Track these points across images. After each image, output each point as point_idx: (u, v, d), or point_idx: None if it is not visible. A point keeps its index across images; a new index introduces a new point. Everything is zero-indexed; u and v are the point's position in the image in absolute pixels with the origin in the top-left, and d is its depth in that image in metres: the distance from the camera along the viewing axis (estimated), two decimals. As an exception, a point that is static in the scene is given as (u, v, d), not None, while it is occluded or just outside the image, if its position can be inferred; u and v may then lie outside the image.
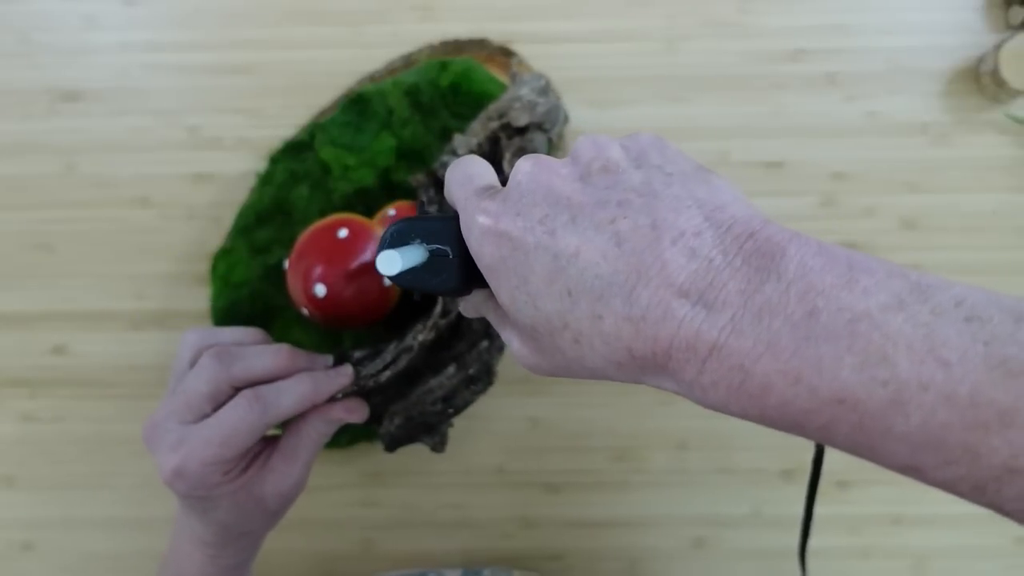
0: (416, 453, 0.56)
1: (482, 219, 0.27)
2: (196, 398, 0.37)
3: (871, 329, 0.20)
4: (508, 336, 0.29)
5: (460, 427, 0.56)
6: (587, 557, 0.56)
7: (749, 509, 0.55)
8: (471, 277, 0.30)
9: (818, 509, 0.54)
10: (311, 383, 0.39)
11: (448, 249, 0.30)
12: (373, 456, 0.56)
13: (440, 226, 0.30)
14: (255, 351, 0.39)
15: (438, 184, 0.50)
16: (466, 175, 0.29)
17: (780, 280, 0.22)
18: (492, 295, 0.31)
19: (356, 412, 0.42)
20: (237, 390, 0.38)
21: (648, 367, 0.24)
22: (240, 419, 0.36)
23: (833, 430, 0.21)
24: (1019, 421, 0.19)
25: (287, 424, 0.41)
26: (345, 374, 0.42)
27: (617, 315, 0.23)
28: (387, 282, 0.46)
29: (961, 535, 0.55)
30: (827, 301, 0.21)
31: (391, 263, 0.28)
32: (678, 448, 0.55)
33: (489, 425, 0.56)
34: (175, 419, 0.37)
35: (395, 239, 0.31)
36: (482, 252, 0.27)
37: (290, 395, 0.38)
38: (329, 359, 0.43)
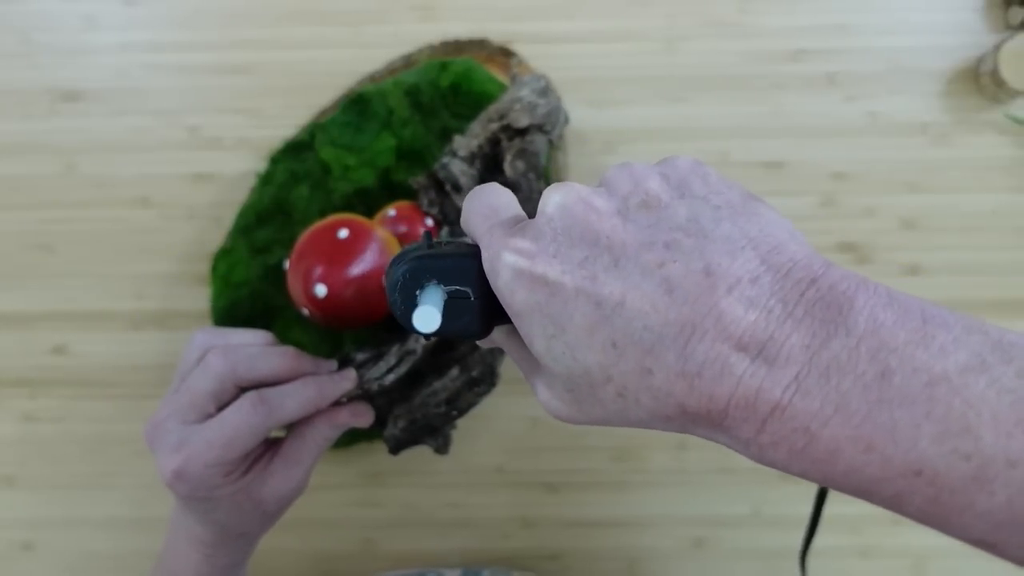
0: (416, 453, 0.56)
1: (513, 259, 0.24)
2: (200, 397, 0.37)
3: (951, 394, 0.19)
4: (537, 384, 0.27)
5: (460, 427, 0.56)
6: (586, 557, 0.56)
7: (749, 509, 0.55)
8: (493, 317, 0.27)
9: (818, 509, 0.54)
10: (316, 387, 0.39)
11: (468, 290, 0.27)
12: (373, 456, 0.56)
13: (457, 264, 0.27)
14: (262, 352, 0.39)
15: (439, 186, 0.50)
16: (489, 207, 0.26)
17: (849, 335, 0.20)
18: (514, 333, 0.29)
19: (362, 416, 0.42)
20: (242, 391, 0.38)
21: (701, 422, 0.22)
22: (244, 421, 0.36)
23: (905, 501, 0.20)
24: None
25: (291, 427, 0.41)
26: (349, 378, 0.42)
27: (669, 370, 0.21)
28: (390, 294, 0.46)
29: (961, 535, 0.54)
30: (901, 360, 0.19)
31: (430, 320, 0.25)
32: (678, 448, 0.55)
33: (489, 425, 0.56)
34: (178, 419, 0.37)
35: (409, 282, 0.27)
36: (513, 297, 0.24)
37: (295, 399, 0.38)
38: (334, 364, 0.43)
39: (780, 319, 0.20)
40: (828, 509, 0.54)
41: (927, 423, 0.19)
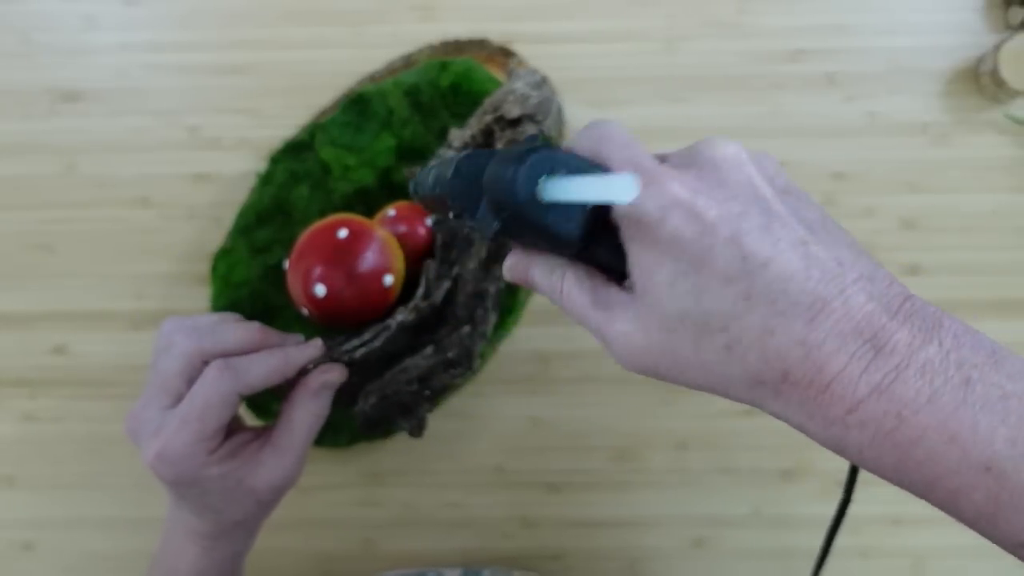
0: (416, 452, 0.56)
1: (677, 188, 0.24)
2: (170, 378, 0.37)
3: (1021, 408, 0.22)
4: (618, 318, 0.26)
5: (460, 427, 0.56)
6: (587, 557, 0.56)
7: (749, 509, 0.55)
8: (591, 234, 0.27)
9: (819, 509, 0.54)
10: (281, 354, 0.38)
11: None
12: (373, 456, 0.56)
13: (587, 167, 0.26)
14: (226, 325, 0.39)
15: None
16: (628, 139, 0.27)
17: (941, 346, 0.23)
18: (583, 266, 0.28)
19: (332, 372, 0.41)
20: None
21: (793, 393, 0.24)
22: (212, 389, 0.36)
23: (965, 495, 0.22)
24: None
25: (279, 414, 0.41)
26: (315, 346, 0.41)
27: (792, 335, 0.23)
28: (388, 281, 0.46)
29: (961, 535, 0.54)
30: (981, 374, 0.22)
31: (562, 190, 0.25)
32: (678, 448, 0.55)
33: (489, 425, 0.56)
34: (154, 406, 0.37)
35: (541, 163, 0.26)
36: (663, 225, 0.24)
37: (260, 364, 0.37)
38: (300, 337, 0.42)
39: (890, 315, 0.23)
40: (828, 509, 0.54)
41: (1003, 427, 0.21)
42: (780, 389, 0.24)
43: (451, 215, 0.31)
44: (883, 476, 0.23)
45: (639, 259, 0.25)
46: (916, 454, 0.22)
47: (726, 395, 0.25)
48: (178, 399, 0.37)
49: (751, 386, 0.24)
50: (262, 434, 0.41)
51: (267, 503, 0.39)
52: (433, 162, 0.32)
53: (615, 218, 0.26)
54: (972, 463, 0.22)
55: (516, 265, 0.30)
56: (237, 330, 0.39)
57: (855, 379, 0.23)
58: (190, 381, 0.37)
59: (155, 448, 0.36)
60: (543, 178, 0.26)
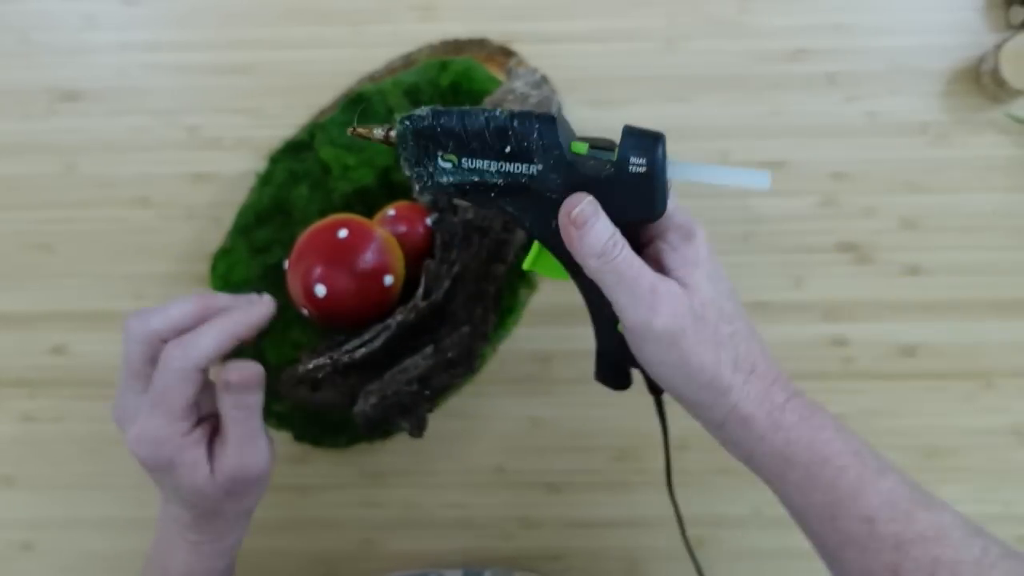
0: (416, 453, 0.56)
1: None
2: (135, 364, 0.37)
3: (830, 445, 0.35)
4: (667, 281, 0.34)
5: (460, 427, 0.56)
6: (587, 557, 0.56)
7: (749, 509, 0.55)
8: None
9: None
10: (227, 320, 0.38)
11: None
12: (373, 456, 0.56)
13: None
14: (173, 302, 0.38)
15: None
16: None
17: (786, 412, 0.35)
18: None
19: (233, 372, 0.37)
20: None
21: (752, 382, 0.35)
22: (168, 368, 0.36)
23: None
24: None
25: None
26: (264, 302, 0.39)
27: (761, 351, 0.36)
28: (388, 281, 0.46)
29: (961, 535, 0.54)
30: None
31: (704, 172, 0.34)
32: (678, 448, 0.54)
33: (489, 425, 0.56)
34: (129, 393, 0.37)
35: (660, 145, 0.34)
36: (706, 246, 0.37)
37: (208, 335, 0.37)
38: (253, 296, 0.40)
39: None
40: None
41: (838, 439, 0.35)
42: (749, 378, 0.34)
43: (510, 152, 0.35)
44: (797, 454, 0.33)
45: (687, 257, 0.35)
46: (822, 436, 0.34)
47: (716, 372, 0.34)
48: (148, 382, 0.37)
49: (735, 369, 0.34)
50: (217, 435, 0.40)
51: (236, 495, 0.39)
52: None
53: (665, 222, 0.36)
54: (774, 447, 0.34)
55: (588, 208, 0.34)
56: (184, 303, 0.38)
57: (784, 388, 0.35)
58: (152, 361, 0.37)
59: (133, 432, 0.36)
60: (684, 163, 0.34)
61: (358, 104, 0.53)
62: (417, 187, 0.36)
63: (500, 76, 0.54)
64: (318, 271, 0.45)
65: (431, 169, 0.35)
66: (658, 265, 0.35)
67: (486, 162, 0.35)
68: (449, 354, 0.47)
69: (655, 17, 0.56)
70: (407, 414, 0.48)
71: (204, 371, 0.37)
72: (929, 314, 0.55)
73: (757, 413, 0.34)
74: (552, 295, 0.55)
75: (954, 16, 0.56)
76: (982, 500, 0.54)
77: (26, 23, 0.58)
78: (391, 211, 0.50)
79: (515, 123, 0.34)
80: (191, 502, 0.38)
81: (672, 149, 0.58)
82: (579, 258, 0.34)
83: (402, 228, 0.49)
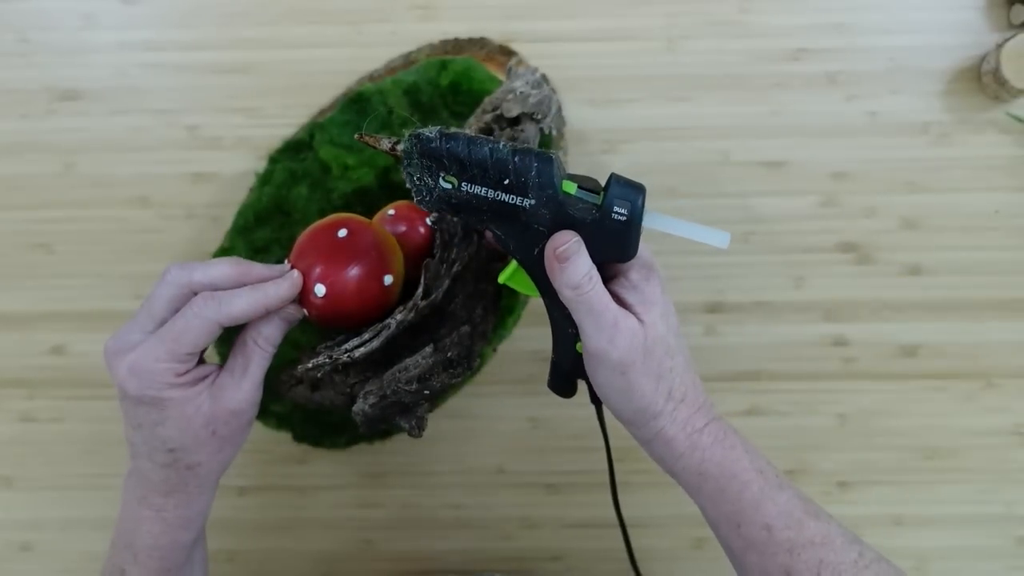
0: (416, 453, 0.55)
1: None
2: (157, 303, 0.38)
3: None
4: (627, 317, 0.38)
5: (460, 427, 0.56)
6: (587, 557, 0.55)
7: (750, 509, 0.54)
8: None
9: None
10: (262, 290, 0.39)
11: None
12: (373, 456, 0.56)
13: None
14: (215, 261, 0.40)
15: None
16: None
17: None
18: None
19: (291, 307, 0.42)
20: None
21: (680, 409, 0.40)
22: (195, 314, 0.37)
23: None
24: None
25: (234, 342, 0.41)
26: (290, 278, 0.41)
27: (694, 381, 0.41)
28: (388, 281, 0.46)
29: (962, 535, 0.54)
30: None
31: (672, 224, 0.39)
32: (678, 448, 0.54)
33: (489, 425, 0.56)
34: (136, 329, 0.38)
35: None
36: (660, 292, 0.40)
37: (243, 298, 0.38)
38: (284, 267, 0.42)
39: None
40: (829, 509, 0.54)
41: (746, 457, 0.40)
42: (679, 406, 0.39)
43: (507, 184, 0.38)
44: (710, 470, 0.39)
45: (646, 296, 0.39)
46: (732, 455, 0.39)
47: (652, 399, 0.39)
48: (161, 325, 0.38)
49: (668, 398, 0.39)
50: (221, 367, 0.41)
51: (222, 438, 0.39)
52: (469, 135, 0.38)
53: (635, 263, 0.39)
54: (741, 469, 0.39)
55: (573, 246, 0.38)
56: (224, 264, 0.40)
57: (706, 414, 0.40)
58: (176, 310, 0.38)
59: (128, 360, 0.37)
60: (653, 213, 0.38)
61: (357, 104, 0.53)
62: (415, 199, 0.39)
63: (500, 76, 0.54)
64: (318, 271, 0.45)
65: (432, 186, 0.38)
66: (620, 299, 0.39)
67: (484, 189, 0.38)
68: (449, 354, 0.47)
69: (655, 17, 0.56)
70: (407, 414, 0.48)
71: (221, 329, 0.38)
72: (930, 314, 0.55)
73: (679, 435, 0.39)
74: (552, 295, 0.55)
75: (955, 15, 0.55)
76: (983, 500, 0.54)
77: (25, 22, 0.58)
78: (391, 211, 0.50)
79: (516, 159, 0.37)
80: (169, 446, 0.38)
81: (673, 148, 0.58)
82: (557, 286, 0.38)
83: (402, 228, 0.49)
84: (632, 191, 0.37)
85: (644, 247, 0.39)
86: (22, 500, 0.56)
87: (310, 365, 0.46)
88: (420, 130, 0.38)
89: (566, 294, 0.38)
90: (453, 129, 0.38)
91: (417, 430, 0.48)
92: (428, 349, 0.47)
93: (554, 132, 0.53)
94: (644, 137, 0.56)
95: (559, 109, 0.53)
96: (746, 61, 0.56)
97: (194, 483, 0.40)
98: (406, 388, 0.46)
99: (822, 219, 0.55)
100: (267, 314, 0.40)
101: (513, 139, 0.49)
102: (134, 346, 0.37)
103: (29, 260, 0.57)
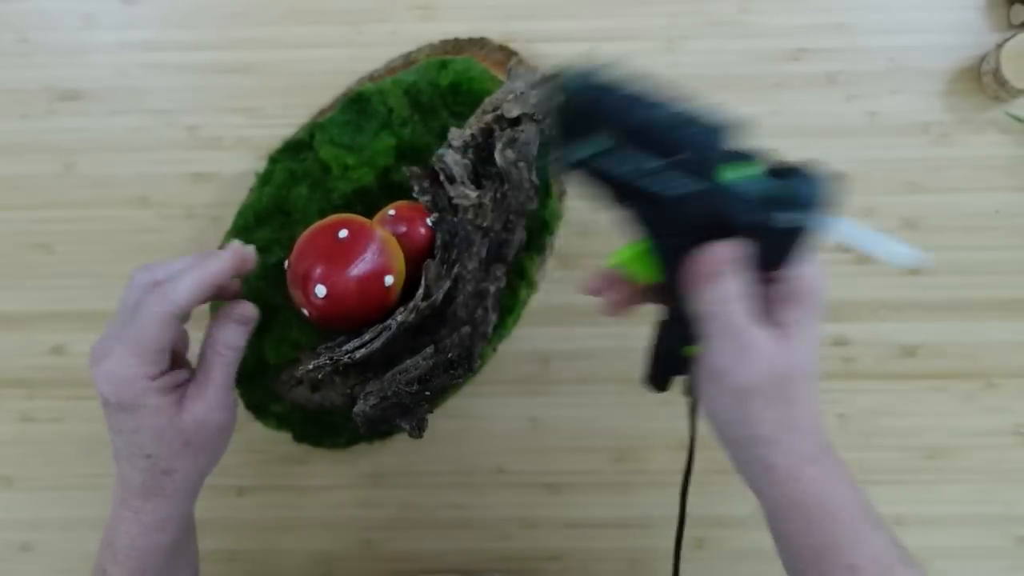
0: (416, 453, 0.55)
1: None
2: (125, 307, 0.38)
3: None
4: (764, 336, 0.33)
5: (460, 427, 0.56)
6: (587, 557, 0.55)
7: (749, 509, 0.54)
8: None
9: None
10: (202, 265, 0.39)
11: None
12: (373, 456, 0.56)
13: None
14: (178, 258, 0.40)
15: (434, 176, 0.50)
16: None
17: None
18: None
19: (241, 305, 0.41)
20: None
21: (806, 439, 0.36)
22: (146, 312, 0.37)
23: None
24: None
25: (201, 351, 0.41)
26: (231, 248, 0.40)
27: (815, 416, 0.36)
28: (388, 281, 0.46)
29: (963, 536, 0.54)
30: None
31: (859, 235, 0.33)
32: (678, 448, 0.54)
33: (489, 425, 0.56)
34: (112, 335, 0.38)
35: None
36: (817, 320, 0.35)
37: (185, 280, 0.38)
38: (236, 243, 0.41)
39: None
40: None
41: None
42: (792, 436, 0.35)
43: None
44: (805, 501, 0.35)
45: (798, 316, 0.34)
46: (836, 489, 0.35)
47: (766, 430, 0.34)
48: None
49: (784, 428, 0.34)
50: (192, 378, 0.41)
51: (194, 447, 0.39)
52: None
53: (795, 279, 0.34)
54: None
55: (729, 268, 0.33)
56: (184, 259, 0.40)
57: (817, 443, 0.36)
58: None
59: (103, 368, 0.37)
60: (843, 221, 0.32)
61: (357, 104, 0.53)
62: (556, 160, 0.33)
63: (500, 76, 0.54)
64: (318, 271, 0.45)
65: (582, 142, 0.31)
66: (767, 308, 0.34)
67: (637, 161, 0.31)
68: (449, 354, 0.47)
69: (655, 17, 0.56)
70: (407, 414, 0.48)
71: (180, 318, 0.38)
72: (930, 314, 0.55)
73: (783, 463, 0.35)
74: (552, 295, 0.55)
75: (955, 15, 0.55)
76: (983, 500, 0.54)
77: (25, 22, 0.58)
78: (391, 211, 0.50)
79: (684, 133, 0.30)
80: (146, 452, 0.38)
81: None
82: (694, 297, 0.33)
83: (402, 228, 0.49)
84: (814, 192, 0.31)
85: (811, 256, 0.34)
86: (22, 500, 0.56)
87: (311, 366, 0.46)
88: (585, 69, 0.31)
89: (702, 308, 0.33)
90: (614, 75, 0.31)
91: (417, 431, 0.48)
92: (429, 350, 0.47)
93: (553, 132, 0.52)
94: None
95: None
96: (746, 61, 0.56)
97: (171, 488, 0.40)
98: (407, 389, 0.47)
99: (822, 219, 0.55)
100: (224, 320, 0.40)
101: (513, 139, 0.49)
102: (108, 351, 0.37)
103: (29, 260, 0.57)
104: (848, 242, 0.34)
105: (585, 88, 0.31)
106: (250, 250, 0.41)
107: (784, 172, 0.32)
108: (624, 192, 0.32)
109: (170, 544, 0.41)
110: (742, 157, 0.31)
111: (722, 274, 0.32)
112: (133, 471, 0.39)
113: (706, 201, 0.31)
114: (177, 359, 0.41)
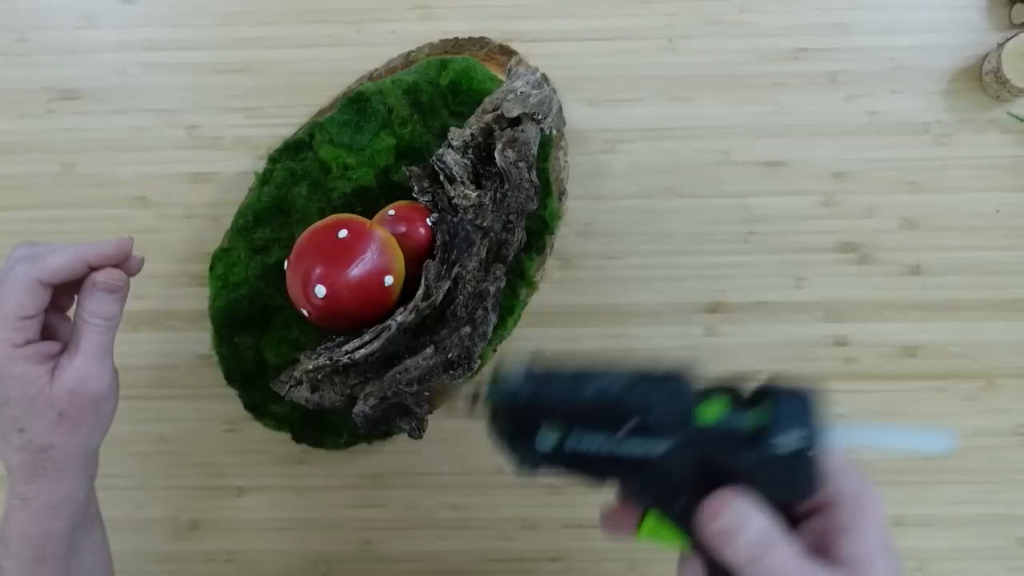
0: (416, 453, 0.55)
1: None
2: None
3: None
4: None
5: (460, 427, 0.55)
6: (587, 558, 0.55)
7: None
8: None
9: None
10: (84, 244, 0.39)
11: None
12: (373, 457, 0.56)
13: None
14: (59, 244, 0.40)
15: (434, 176, 0.50)
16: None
17: None
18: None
19: (110, 272, 0.40)
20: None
21: None
22: (13, 276, 0.37)
23: None
24: None
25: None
26: (120, 240, 0.40)
27: None
28: (388, 282, 0.46)
29: (963, 536, 0.54)
30: None
31: (870, 437, 0.29)
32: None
33: (489, 426, 0.55)
34: None
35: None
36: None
37: (60, 250, 0.38)
38: (127, 240, 0.41)
39: None
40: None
41: None
42: None
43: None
44: None
45: (862, 542, 0.28)
46: None
47: None
48: None
49: None
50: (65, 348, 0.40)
51: (69, 419, 0.38)
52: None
53: (844, 503, 0.29)
54: None
55: (732, 519, 0.29)
56: (72, 245, 0.39)
57: None
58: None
59: None
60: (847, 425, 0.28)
61: (357, 103, 0.53)
62: (514, 468, 0.31)
63: (500, 76, 0.54)
64: (318, 271, 0.45)
65: (530, 447, 0.30)
66: (821, 546, 0.29)
67: (601, 438, 0.29)
68: (449, 355, 0.47)
69: (655, 16, 0.56)
70: (407, 415, 0.48)
71: (47, 287, 0.38)
72: (930, 314, 0.55)
73: None
74: (552, 295, 0.55)
75: (956, 15, 0.55)
76: (983, 501, 0.54)
77: (24, 22, 0.57)
78: (391, 211, 0.50)
79: (638, 392, 0.29)
80: (18, 426, 0.37)
81: (673, 148, 0.57)
82: (726, 557, 0.29)
83: (402, 228, 0.49)
84: (803, 407, 0.28)
85: (847, 466, 0.30)
86: (21, 500, 0.56)
87: (310, 366, 0.46)
88: (500, 376, 0.30)
89: (744, 565, 0.28)
90: (541, 364, 0.30)
91: (417, 431, 0.48)
92: (429, 350, 0.47)
93: (554, 132, 0.52)
94: (644, 137, 0.56)
95: (559, 109, 0.53)
96: (746, 61, 0.56)
97: (52, 467, 0.39)
98: (407, 389, 0.46)
99: (822, 219, 0.55)
100: (90, 288, 0.39)
101: (513, 139, 0.49)
102: None
103: (28, 260, 0.57)
104: (865, 445, 0.29)
105: (521, 390, 0.29)
106: (136, 256, 0.41)
107: (761, 396, 0.29)
108: (604, 468, 0.30)
109: (67, 531, 0.40)
110: (711, 394, 0.29)
111: (740, 524, 0.28)
112: (11, 451, 0.38)
113: (694, 450, 0.28)
114: (53, 333, 0.40)
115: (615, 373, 0.29)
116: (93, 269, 0.39)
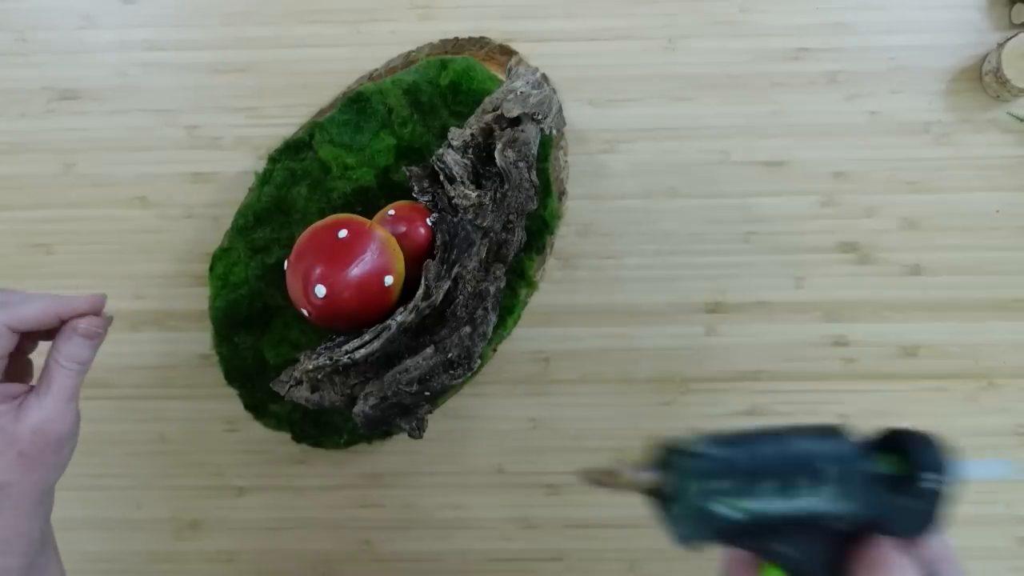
0: (416, 453, 0.55)
1: None
2: None
3: None
4: None
5: (460, 427, 0.55)
6: (587, 558, 0.55)
7: (750, 510, 0.54)
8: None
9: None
10: (56, 297, 0.39)
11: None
12: (372, 457, 0.56)
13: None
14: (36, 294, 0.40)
15: (434, 175, 0.50)
16: None
17: None
18: None
19: (90, 321, 0.40)
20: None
21: None
22: None
23: None
24: None
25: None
26: (95, 296, 0.40)
27: None
28: (388, 282, 0.46)
29: (963, 536, 0.54)
30: None
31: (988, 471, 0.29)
32: (679, 449, 0.54)
33: (489, 425, 0.56)
34: None
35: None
36: None
37: (35, 301, 0.38)
38: (100, 297, 0.41)
39: None
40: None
41: None
42: None
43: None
44: None
45: None
46: None
47: None
48: None
49: None
50: (32, 389, 0.40)
51: (31, 459, 0.38)
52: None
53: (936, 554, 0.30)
54: None
55: (897, 569, 0.29)
56: (45, 298, 0.40)
57: None
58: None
59: None
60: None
61: (357, 103, 0.53)
62: (676, 540, 0.31)
63: (500, 76, 0.54)
64: (318, 271, 0.45)
65: (715, 515, 0.30)
66: None
67: (771, 500, 0.29)
68: (449, 355, 0.47)
69: (655, 16, 0.56)
70: (407, 415, 0.48)
71: (15, 333, 0.38)
72: (930, 314, 0.55)
73: None
74: (552, 295, 0.55)
75: (956, 15, 0.55)
76: (983, 501, 0.54)
77: (24, 22, 0.57)
78: (391, 211, 0.50)
79: (814, 445, 0.29)
80: None
81: (673, 148, 0.57)
82: None
83: (402, 228, 0.49)
84: (936, 450, 0.29)
85: (947, 545, 0.31)
86: (22, 500, 0.56)
87: (310, 366, 0.46)
88: (683, 447, 0.30)
89: None
90: (706, 435, 0.30)
91: (417, 431, 0.48)
92: (429, 350, 0.47)
93: (554, 132, 0.52)
94: (644, 137, 0.56)
95: (559, 109, 0.53)
96: (746, 61, 0.56)
97: (7, 505, 0.38)
98: (407, 389, 0.46)
99: (822, 219, 0.55)
100: (69, 333, 0.39)
101: (513, 139, 0.49)
102: None
103: (29, 260, 0.57)
104: (986, 478, 0.30)
105: (701, 458, 0.30)
106: (108, 313, 0.41)
107: (894, 441, 0.30)
108: (775, 535, 0.30)
109: (20, 567, 0.40)
110: (874, 448, 0.30)
111: None
112: None
113: (854, 498, 0.29)
114: (19, 374, 0.41)
115: (780, 435, 0.29)
116: (63, 322, 0.40)
